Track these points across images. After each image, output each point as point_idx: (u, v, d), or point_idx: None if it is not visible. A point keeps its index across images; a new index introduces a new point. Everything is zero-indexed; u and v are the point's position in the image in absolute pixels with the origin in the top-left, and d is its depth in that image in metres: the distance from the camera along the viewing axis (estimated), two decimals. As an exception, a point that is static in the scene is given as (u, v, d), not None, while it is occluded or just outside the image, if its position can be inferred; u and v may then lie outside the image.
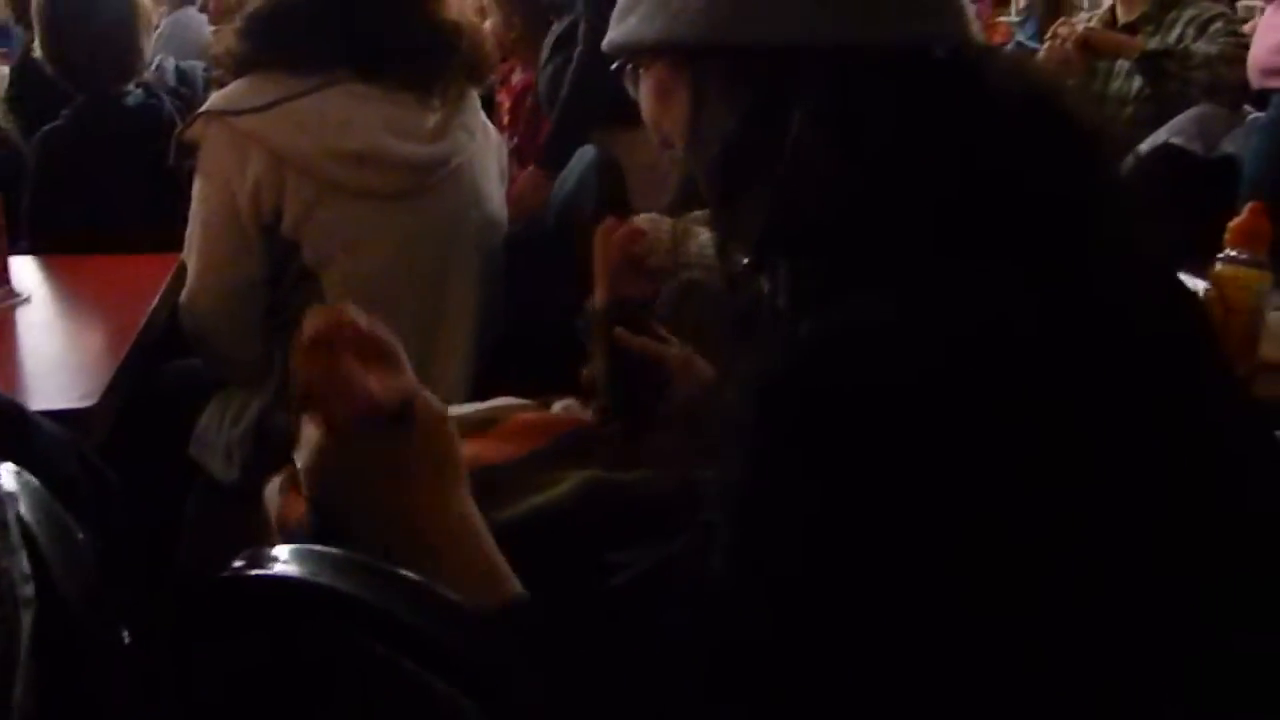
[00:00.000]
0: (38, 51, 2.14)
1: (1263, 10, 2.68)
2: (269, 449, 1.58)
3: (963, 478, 0.56)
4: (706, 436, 0.69)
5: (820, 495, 0.57)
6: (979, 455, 0.56)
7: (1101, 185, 0.69)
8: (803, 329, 0.62)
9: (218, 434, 1.64)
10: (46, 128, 2.08)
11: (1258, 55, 2.58)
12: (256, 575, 0.56)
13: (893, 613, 0.55)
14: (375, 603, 0.54)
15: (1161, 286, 0.69)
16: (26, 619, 0.48)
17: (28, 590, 0.50)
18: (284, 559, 0.55)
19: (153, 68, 2.57)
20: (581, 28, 2.48)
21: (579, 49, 2.50)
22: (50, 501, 0.58)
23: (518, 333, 1.73)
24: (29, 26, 2.75)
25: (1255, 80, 2.60)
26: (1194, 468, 0.62)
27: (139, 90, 2.14)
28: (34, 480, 0.60)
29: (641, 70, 0.79)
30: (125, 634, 0.58)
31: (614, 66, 0.82)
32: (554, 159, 2.29)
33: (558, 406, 1.23)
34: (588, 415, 1.19)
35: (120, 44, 2.09)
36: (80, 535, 0.57)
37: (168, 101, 2.17)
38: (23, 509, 0.57)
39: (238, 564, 0.57)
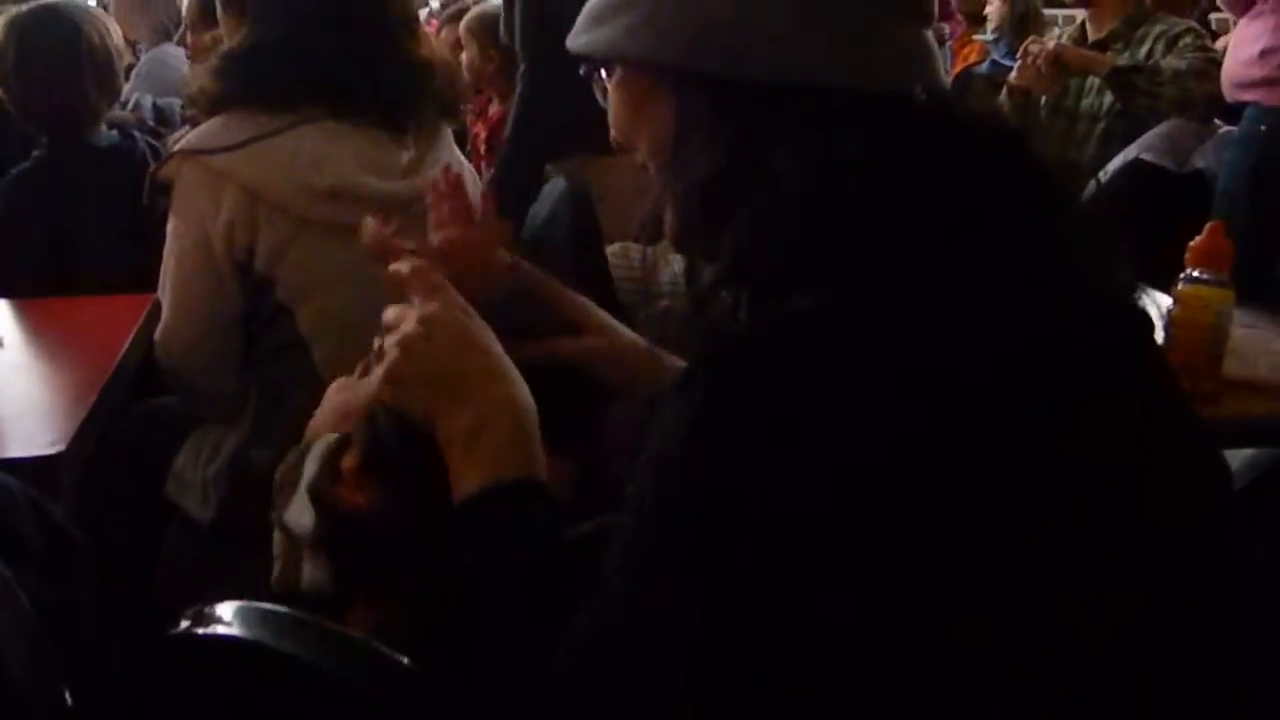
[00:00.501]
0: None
1: (1235, 24, 2.71)
2: (245, 486, 1.58)
3: (878, 509, 0.56)
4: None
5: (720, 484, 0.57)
6: (896, 487, 0.56)
7: (1065, 219, 0.70)
8: (742, 323, 0.64)
9: (194, 473, 1.64)
10: (16, 170, 2.08)
11: (1231, 69, 2.61)
12: (202, 635, 0.56)
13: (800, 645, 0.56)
14: (316, 662, 0.54)
15: (1114, 320, 0.70)
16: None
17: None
18: (227, 619, 0.56)
19: (129, 105, 2.58)
20: (521, 69, 2.50)
21: (518, 90, 2.53)
22: (-4, 565, 0.58)
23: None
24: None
25: (1229, 93, 2.63)
26: (1136, 510, 0.63)
27: (112, 130, 2.14)
28: (-22, 541, 0.60)
29: (613, 78, 0.78)
30: (68, 694, 0.58)
31: (582, 70, 0.80)
32: (503, 193, 2.31)
33: None
34: None
35: (82, 88, 2.07)
36: (23, 596, 0.57)
37: (141, 141, 2.17)
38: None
39: (184, 623, 0.57)
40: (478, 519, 0.72)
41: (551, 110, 2.41)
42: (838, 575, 0.56)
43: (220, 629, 0.54)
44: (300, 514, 0.89)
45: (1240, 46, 2.58)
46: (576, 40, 0.78)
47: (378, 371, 0.82)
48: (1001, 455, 0.59)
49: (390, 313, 0.83)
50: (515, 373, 0.80)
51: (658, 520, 0.60)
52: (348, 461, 0.90)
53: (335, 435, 0.95)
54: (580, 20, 0.78)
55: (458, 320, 0.80)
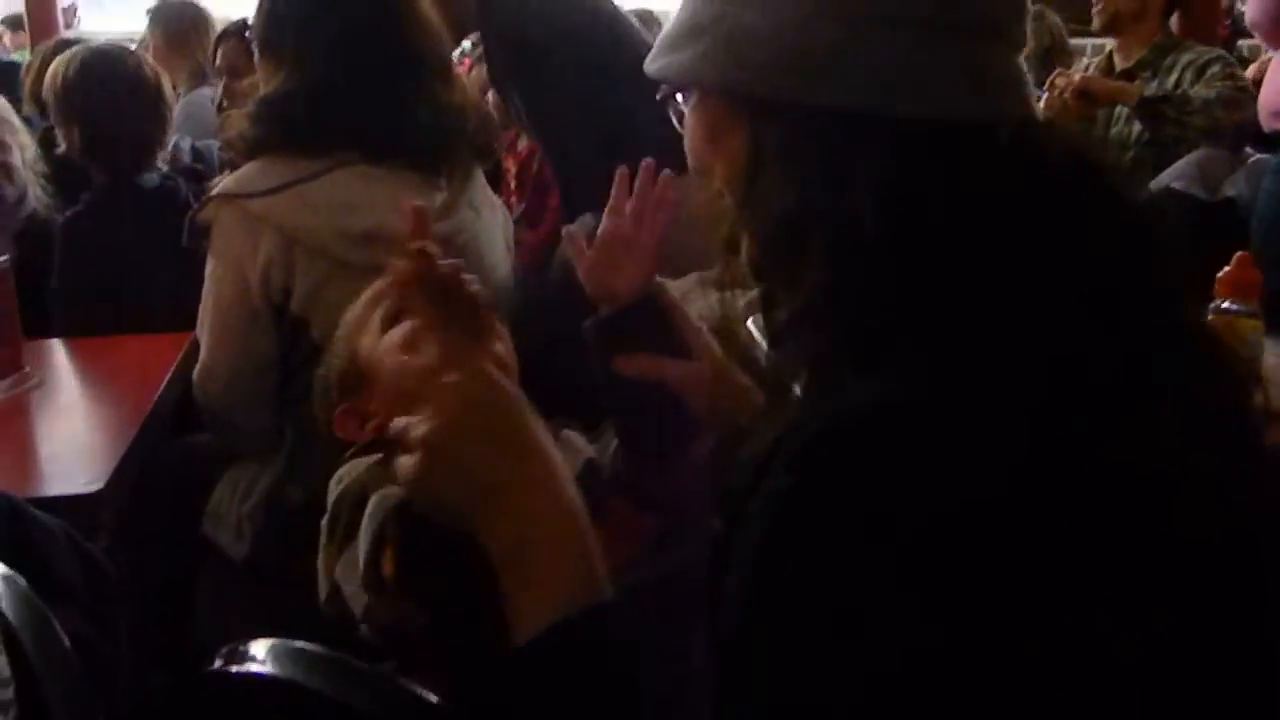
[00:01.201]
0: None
1: (1267, 50, 2.70)
2: (279, 523, 1.60)
3: (981, 577, 0.56)
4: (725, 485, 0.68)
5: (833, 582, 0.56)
6: (999, 555, 0.56)
7: (1150, 259, 0.68)
8: (834, 399, 0.61)
9: (229, 510, 1.67)
10: (69, 214, 2.14)
11: (1268, 97, 2.60)
12: (236, 673, 0.58)
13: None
14: (348, 701, 0.55)
15: (1203, 365, 0.68)
16: (4, 721, 0.50)
17: (7, 693, 0.52)
18: (261, 657, 0.57)
19: (169, 148, 2.65)
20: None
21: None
22: (36, 602, 0.60)
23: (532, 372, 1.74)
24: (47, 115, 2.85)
25: (1266, 122, 2.62)
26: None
27: (154, 173, 2.20)
28: (21, 580, 0.61)
29: (690, 103, 0.76)
30: (107, 733, 0.59)
31: (659, 95, 0.78)
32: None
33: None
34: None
35: (145, 124, 2.16)
36: (64, 632, 0.59)
37: (183, 183, 2.23)
38: (7, 610, 0.58)
39: (219, 661, 0.59)
40: (543, 664, 0.65)
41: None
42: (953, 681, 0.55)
43: (254, 667, 0.56)
44: (356, 601, 0.84)
45: (1277, 77, 2.57)
46: (653, 64, 0.75)
47: (404, 465, 0.71)
48: (1107, 543, 0.58)
49: (400, 363, 0.75)
50: (557, 461, 0.71)
51: (765, 617, 0.58)
52: (387, 567, 0.81)
53: (392, 499, 0.87)
54: (659, 43, 0.76)
55: (488, 409, 0.71)
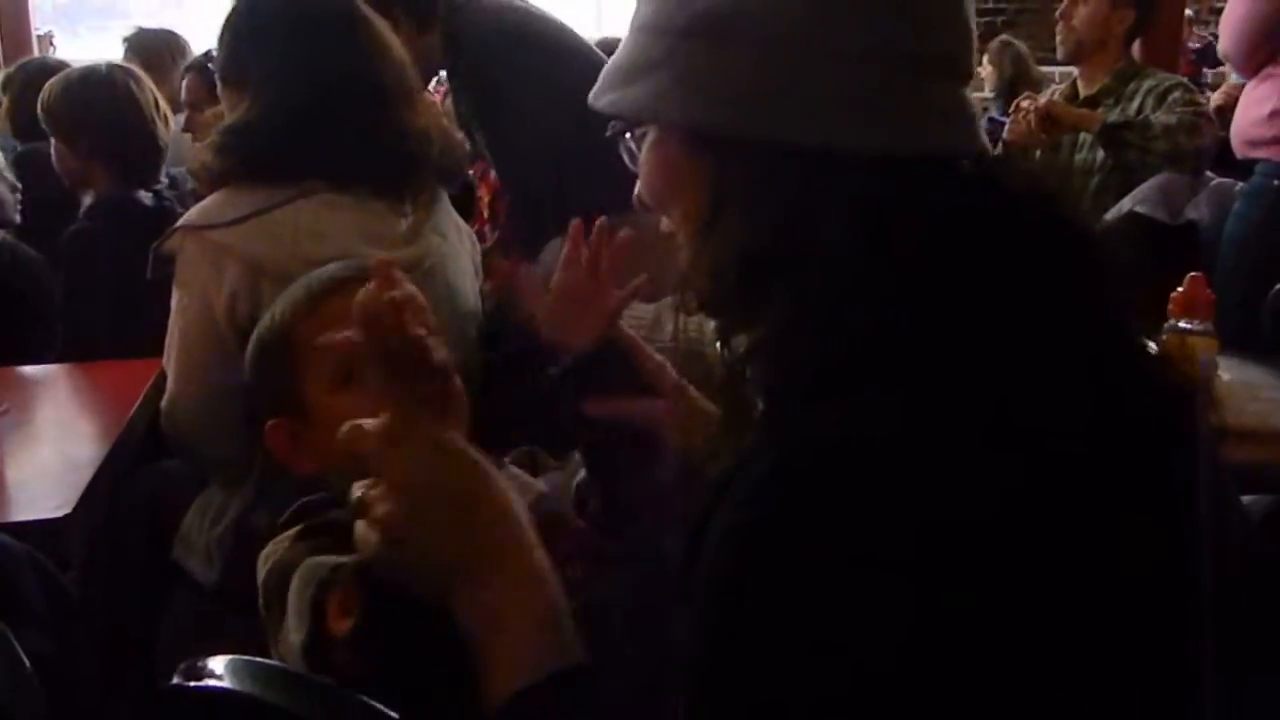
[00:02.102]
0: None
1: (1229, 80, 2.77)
2: (248, 549, 1.59)
3: (952, 599, 0.56)
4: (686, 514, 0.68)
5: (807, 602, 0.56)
6: (969, 580, 0.56)
7: (1104, 279, 0.69)
8: (790, 431, 0.61)
9: (199, 536, 1.66)
10: (71, 230, 2.14)
11: (1241, 127, 2.66)
12: (195, 688, 0.58)
13: None
14: (303, 714, 0.56)
15: (1156, 382, 0.70)
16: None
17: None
18: (219, 672, 0.57)
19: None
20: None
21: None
22: (-2, 624, 0.60)
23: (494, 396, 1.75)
24: (23, 136, 2.85)
25: (1239, 150, 2.69)
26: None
27: (147, 191, 2.22)
28: (-17, 604, 0.62)
29: (647, 140, 0.74)
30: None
31: (609, 131, 0.77)
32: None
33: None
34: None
35: (153, 129, 2.20)
36: (23, 657, 0.59)
37: (174, 202, 2.24)
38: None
39: (176, 677, 0.59)
40: None
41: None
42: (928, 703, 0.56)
43: (212, 682, 0.56)
44: (290, 656, 0.81)
45: (1250, 107, 2.64)
46: (603, 98, 0.74)
47: (364, 538, 0.69)
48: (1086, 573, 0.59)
49: (354, 442, 0.70)
50: (524, 527, 0.71)
51: (728, 647, 0.59)
52: (340, 624, 0.79)
53: (323, 567, 0.87)
54: (607, 76, 0.74)
55: (449, 479, 0.70)
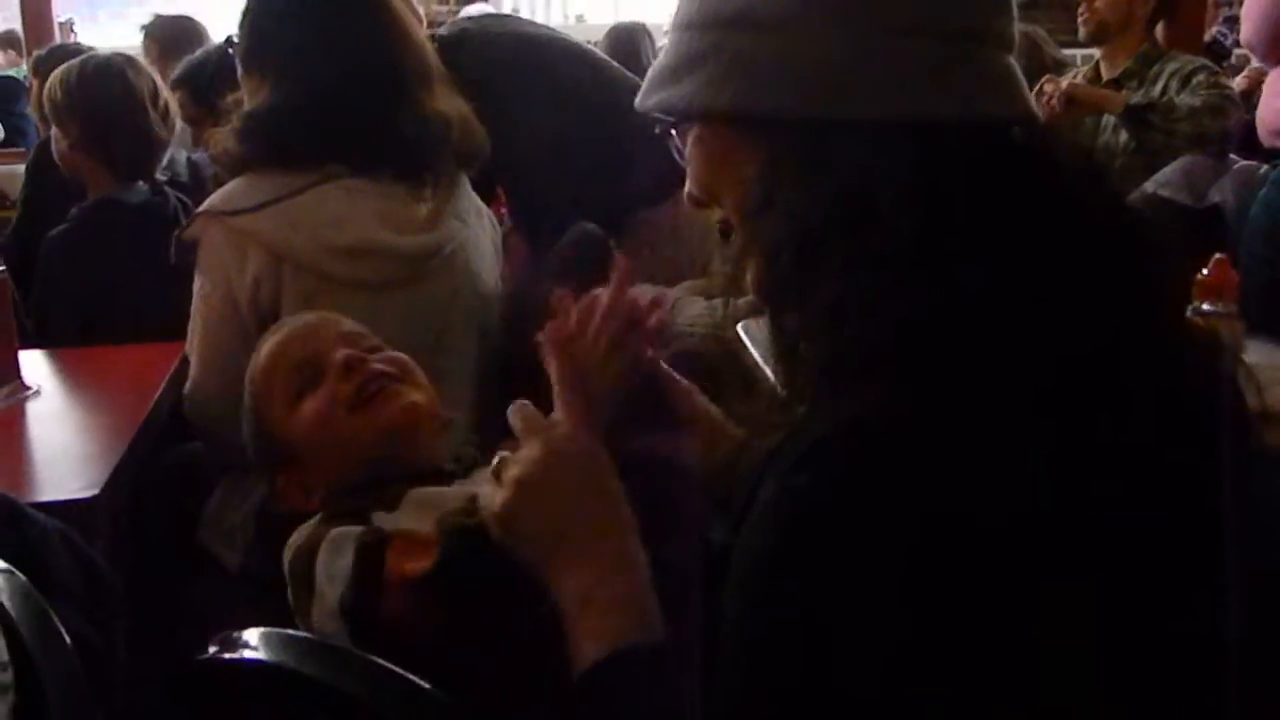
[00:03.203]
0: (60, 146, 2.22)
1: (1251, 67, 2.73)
2: (271, 532, 1.61)
3: (972, 590, 0.57)
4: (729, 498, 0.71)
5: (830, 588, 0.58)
6: (986, 570, 0.57)
7: (1153, 256, 0.70)
8: (844, 405, 0.62)
9: (224, 519, 1.67)
10: (54, 232, 2.15)
11: (1266, 116, 2.63)
12: (229, 659, 0.59)
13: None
14: (340, 686, 0.56)
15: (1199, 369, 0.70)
16: (3, 707, 0.51)
17: (6, 677, 0.53)
18: (253, 644, 0.58)
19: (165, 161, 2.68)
20: None
21: None
22: (36, 597, 0.61)
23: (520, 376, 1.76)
24: (45, 120, 2.87)
25: (1265, 139, 2.65)
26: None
27: (144, 186, 2.21)
28: (20, 576, 0.63)
29: (693, 134, 0.75)
30: (102, 722, 0.61)
31: (659, 129, 0.78)
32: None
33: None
34: None
35: (150, 125, 2.19)
36: (63, 628, 0.60)
37: (172, 197, 2.24)
38: (8, 604, 0.59)
39: (212, 649, 0.60)
40: (597, 691, 0.71)
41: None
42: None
43: (247, 653, 0.57)
44: (325, 623, 0.85)
45: (1275, 96, 2.61)
46: (650, 99, 0.75)
47: (491, 496, 0.81)
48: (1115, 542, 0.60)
49: (518, 420, 0.83)
50: (628, 517, 0.79)
51: (767, 619, 0.60)
52: (410, 565, 0.86)
53: (360, 530, 0.93)
54: (654, 78, 0.75)
55: (578, 464, 0.80)
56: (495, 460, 0.82)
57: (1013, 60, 0.72)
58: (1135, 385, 0.63)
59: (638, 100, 0.77)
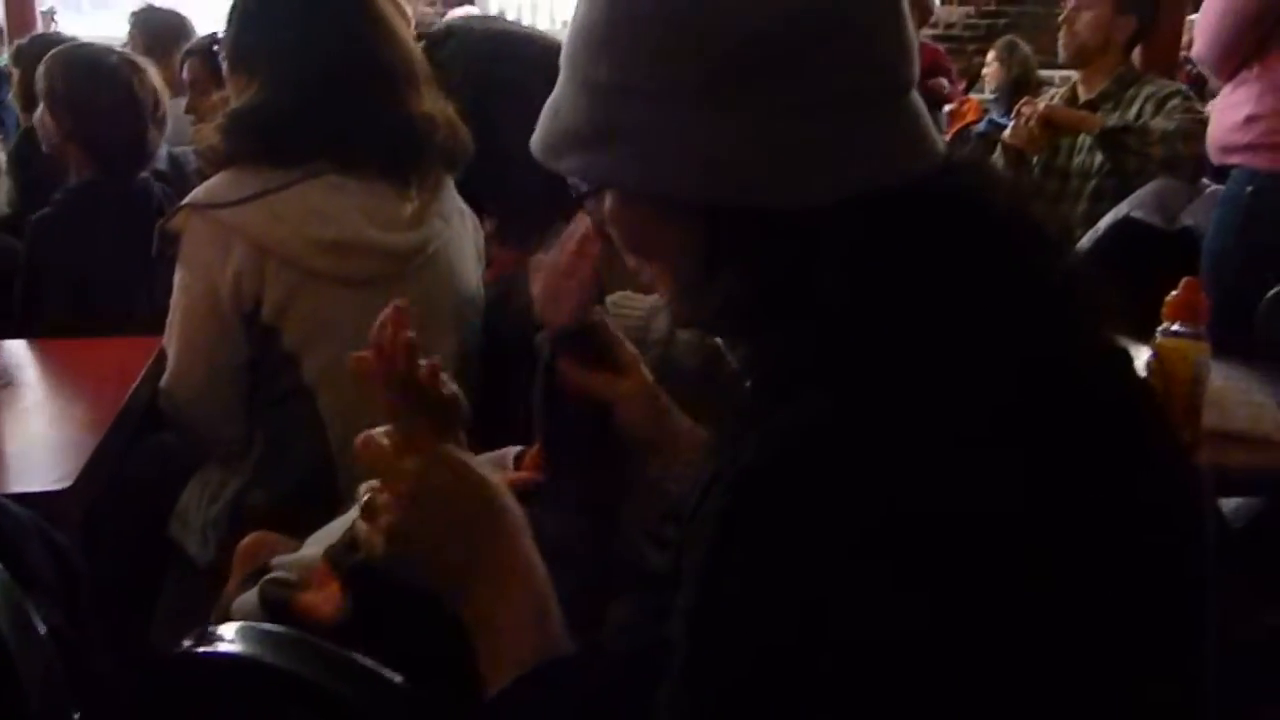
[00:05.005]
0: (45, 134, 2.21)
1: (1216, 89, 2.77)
2: (243, 529, 1.61)
3: (915, 591, 0.58)
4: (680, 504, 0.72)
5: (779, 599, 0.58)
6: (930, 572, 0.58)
7: (1070, 281, 0.71)
8: (768, 423, 0.63)
9: (196, 514, 1.67)
10: (39, 213, 2.14)
11: (1216, 134, 2.67)
12: (204, 653, 0.60)
13: None
14: (315, 680, 0.57)
15: (1117, 374, 0.72)
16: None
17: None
18: (229, 638, 0.59)
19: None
20: None
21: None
22: (11, 587, 0.62)
23: (499, 384, 1.77)
24: (27, 110, 2.85)
25: (1215, 156, 2.69)
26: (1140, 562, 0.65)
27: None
28: (-2, 566, 0.63)
29: (612, 202, 0.75)
30: (76, 716, 0.61)
31: (573, 191, 0.77)
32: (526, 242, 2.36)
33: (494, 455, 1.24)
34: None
35: (144, 124, 2.19)
36: (39, 620, 0.60)
37: (156, 187, 2.24)
38: (-16, 594, 0.60)
39: (187, 642, 0.61)
40: (510, 714, 0.71)
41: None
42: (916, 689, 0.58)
43: (223, 647, 0.58)
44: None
45: (1225, 112, 2.64)
46: (561, 161, 0.73)
47: (367, 537, 0.76)
48: (1046, 543, 0.61)
49: (366, 457, 0.77)
50: (515, 524, 0.77)
51: (715, 636, 0.61)
52: (319, 610, 0.85)
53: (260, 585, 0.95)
54: (556, 134, 0.74)
55: (446, 492, 0.76)
56: (362, 496, 0.78)
57: (915, 98, 0.72)
58: (1050, 408, 0.64)
59: (538, 153, 0.75)
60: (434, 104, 1.71)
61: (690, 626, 0.61)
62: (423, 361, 0.80)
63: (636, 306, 1.91)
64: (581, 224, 1.23)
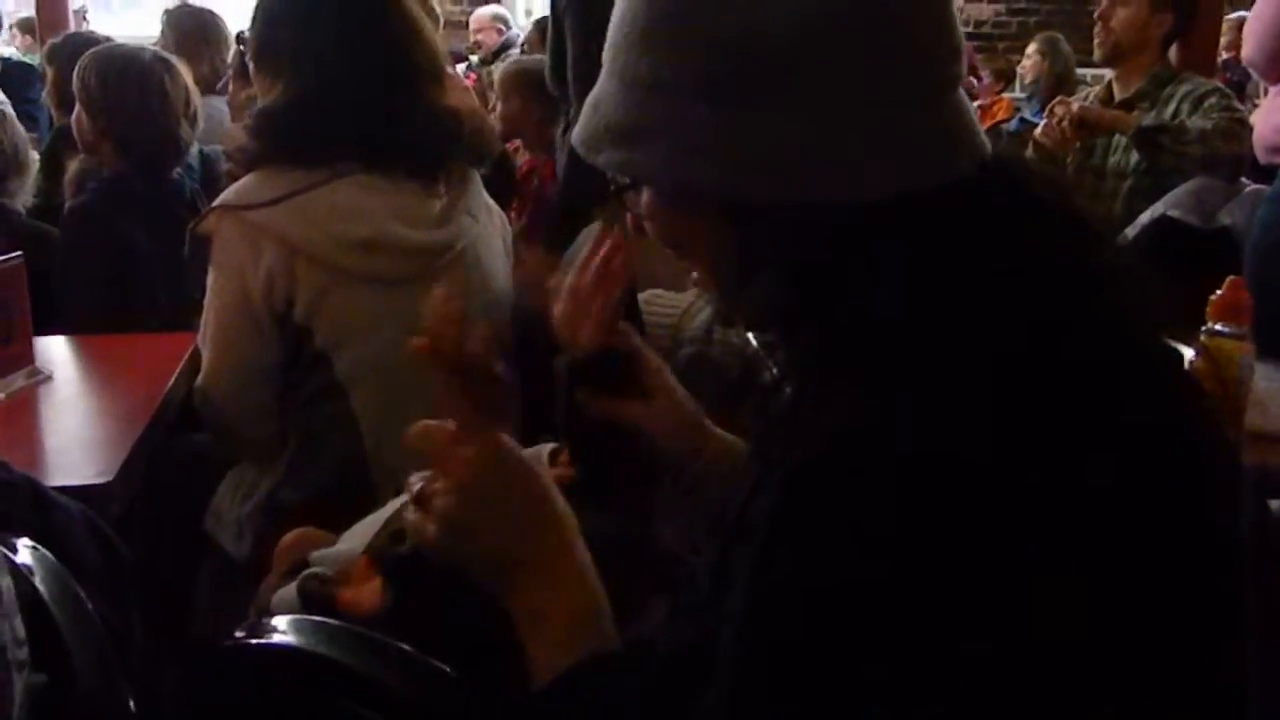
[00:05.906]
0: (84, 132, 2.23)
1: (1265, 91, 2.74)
2: (278, 525, 1.61)
3: (965, 584, 0.58)
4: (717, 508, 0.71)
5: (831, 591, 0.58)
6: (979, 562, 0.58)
7: (1118, 279, 0.70)
8: (819, 424, 0.63)
9: (230, 510, 1.68)
10: (72, 203, 2.17)
11: (1265, 133, 2.64)
12: (258, 644, 0.60)
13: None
14: (368, 672, 0.57)
15: (1162, 371, 0.71)
16: (19, 681, 0.51)
17: (21, 654, 0.53)
18: (282, 629, 0.59)
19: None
20: (572, 111, 2.56)
21: (564, 129, 2.57)
22: (65, 576, 0.62)
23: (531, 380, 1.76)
24: (60, 108, 2.87)
25: (1262, 156, 2.66)
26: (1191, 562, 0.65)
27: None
28: (49, 555, 0.63)
29: (650, 198, 0.75)
30: (131, 702, 0.61)
31: (611, 186, 0.76)
32: (555, 241, 2.35)
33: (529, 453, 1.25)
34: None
35: (176, 123, 2.21)
36: (91, 608, 0.61)
37: (188, 182, 2.26)
38: (39, 583, 0.60)
39: (239, 633, 0.61)
40: (557, 706, 0.71)
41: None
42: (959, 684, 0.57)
43: (276, 638, 0.58)
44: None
45: (1274, 113, 2.62)
46: (600, 155, 0.72)
47: (418, 526, 0.75)
48: (1098, 546, 0.60)
49: (424, 444, 0.77)
50: (565, 518, 0.77)
51: (767, 638, 0.60)
52: (361, 601, 0.84)
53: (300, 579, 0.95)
54: (598, 129, 0.73)
55: (501, 481, 0.76)
56: (414, 486, 0.78)
57: (961, 96, 0.71)
58: (1099, 412, 0.63)
59: (579, 146, 0.74)
60: (459, 99, 1.71)
61: (739, 629, 0.61)
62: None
63: (670, 304, 1.91)
64: (590, 243, 1.22)
